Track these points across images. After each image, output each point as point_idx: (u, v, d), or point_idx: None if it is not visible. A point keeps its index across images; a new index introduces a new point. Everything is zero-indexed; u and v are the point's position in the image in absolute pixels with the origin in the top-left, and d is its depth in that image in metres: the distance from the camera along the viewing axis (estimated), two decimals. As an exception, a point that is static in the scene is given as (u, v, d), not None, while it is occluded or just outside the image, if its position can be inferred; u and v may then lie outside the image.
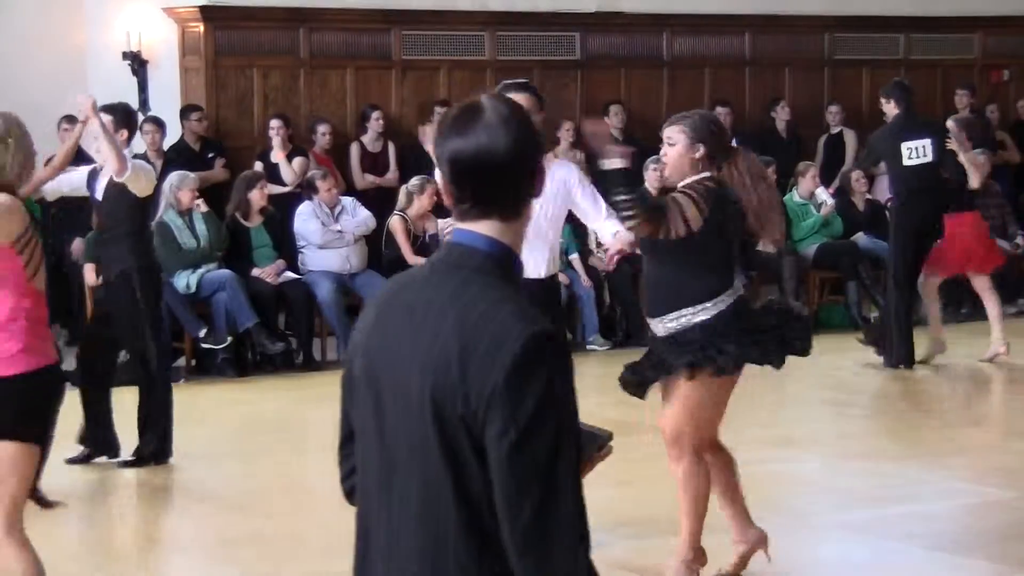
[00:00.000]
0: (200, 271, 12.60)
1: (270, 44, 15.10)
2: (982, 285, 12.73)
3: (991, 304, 12.57)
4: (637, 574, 6.92)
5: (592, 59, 16.33)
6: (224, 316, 12.48)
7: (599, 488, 7.72)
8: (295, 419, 11.10)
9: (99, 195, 9.26)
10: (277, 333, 12.90)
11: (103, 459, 9.27)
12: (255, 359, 12.95)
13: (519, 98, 6.95)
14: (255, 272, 12.88)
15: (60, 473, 8.98)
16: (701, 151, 6.28)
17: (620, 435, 7.94)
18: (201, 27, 14.82)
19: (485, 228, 2.77)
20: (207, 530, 8.10)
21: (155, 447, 9.19)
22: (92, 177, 9.30)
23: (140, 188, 9.10)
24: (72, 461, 9.12)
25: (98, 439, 9.24)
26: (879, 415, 11.21)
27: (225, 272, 12.67)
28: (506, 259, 2.77)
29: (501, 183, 2.77)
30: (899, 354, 12.21)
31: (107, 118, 9.07)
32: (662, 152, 6.41)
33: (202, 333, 12.44)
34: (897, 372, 12.16)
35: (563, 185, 7.17)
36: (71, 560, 7.48)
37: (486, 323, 2.66)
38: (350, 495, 2.99)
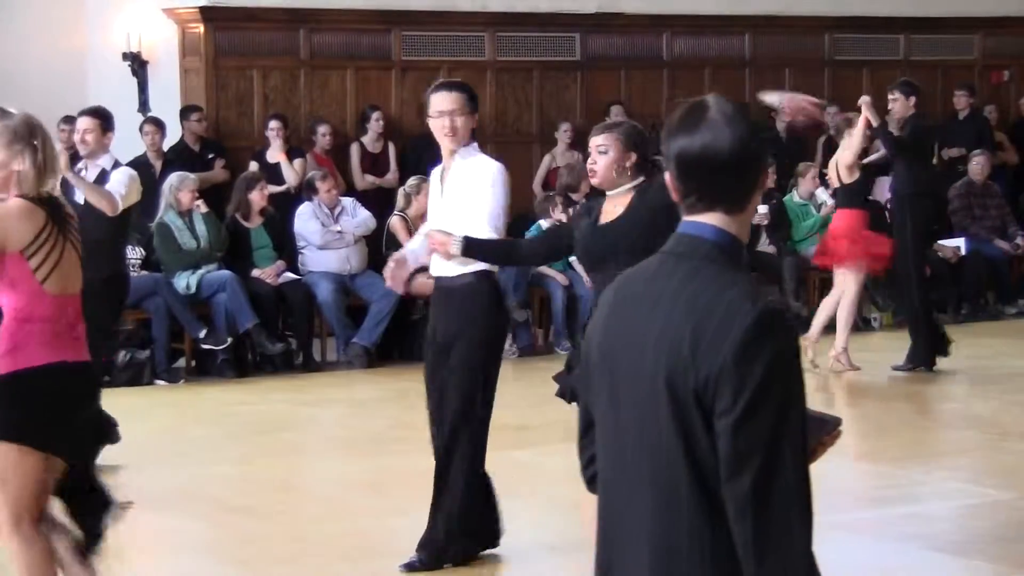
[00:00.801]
0: (200, 272, 12.60)
1: (270, 45, 15.11)
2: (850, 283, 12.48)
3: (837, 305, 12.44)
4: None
5: (592, 60, 16.33)
6: (224, 317, 12.49)
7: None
8: (295, 420, 11.10)
9: (79, 199, 9.18)
10: (277, 334, 12.91)
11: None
12: (255, 360, 12.96)
13: (448, 97, 6.94)
14: (255, 273, 12.89)
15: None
16: (633, 159, 6.48)
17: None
18: (201, 28, 14.83)
19: (711, 219, 2.90)
20: (206, 530, 8.10)
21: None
22: (66, 183, 9.19)
23: (132, 200, 9.13)
24: None
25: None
26: (879, 415, 11.21)
27: (225, 273, 12.68)
28: (732, 247, 2.89)
29: (724, 179, 2.89)
30: (924, 354, 12.16)
31: (92, 122, 9.09)
32: (590, 160, 6.54)
33: (202, 334, 12.45)
34: (895, 373, 12.16)
35: (479, 182, 6.94)
36: (71, 560, 7.49)
37: (715, 304, 2.79)
38: (591, 482, 3.13)
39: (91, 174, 9.12)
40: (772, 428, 2.72)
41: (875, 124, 11.95)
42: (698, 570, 2.80)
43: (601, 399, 2.97)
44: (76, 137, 9.43)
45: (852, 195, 12.26)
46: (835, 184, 12.47)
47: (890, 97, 12.42)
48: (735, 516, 2.74)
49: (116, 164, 9.28)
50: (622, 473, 2.92)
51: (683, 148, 2.89)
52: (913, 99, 12.24)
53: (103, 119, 9.25)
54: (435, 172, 7.17)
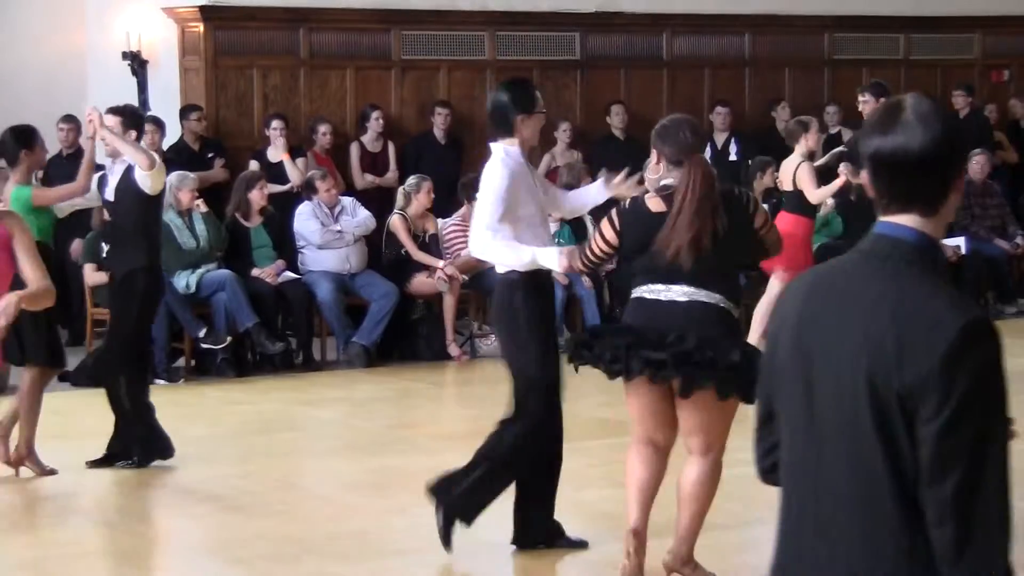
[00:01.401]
0: (200, 271, 12.59)
1: (270, 44, 15.10)
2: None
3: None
4: (637, 574, 6.91)
5: (592, 59, 16.33)
6: (224, 316, 12.48)
7: (598, 488, 7.73)
8: (295, 419, 11.10)
9: (109, 195, 9.28)
10: (277, 333, 12.90)
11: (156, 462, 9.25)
12: (255, 359, 12.95)
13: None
14: (255, 272, 12.88)
15: (60, 475, 8.98)
16: (653, 158, 6.54)
17: (618, 436, 7.95)
18: (201, 27, 14.82)
19: (907, 220, 2.91)
20: (206, 530, 8.10)
21: (124, 448, 9.14)
22: (101, 179, 9.34)
23: (160, 182, 9.19)
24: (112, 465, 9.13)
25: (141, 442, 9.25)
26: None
27: (225, 272, 12.67)
28: (929, 249, 2.91)
29: (917, 179, 2.89)
30: None
31: (114, 119, 9.11)
32: None
33: (202, 333, 12.44)
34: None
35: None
36: (70, 560, 7.49)
37: (920, 311, 2.80)
38: (767, 473, 3.14)
39: (117, 170, 9.16)
40: (976, 436, 2.75)
41: (854, 181, 11.98)
42: (898, 571, 2.82)
43: (792, 393, 2.98)
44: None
45: (802, 201, 12.23)
46: (784, 188, 12.42)
47: (860, 99, 12.43)
48: (935, 521, 2.77)
49: None
50: (815, 471, 2.92)
51: (877, 148, 2.90)
52: (881, 102, 12.30)
53: (124, 116, 9.26)
54: (520, 164, 7.10)
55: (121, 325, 9.19)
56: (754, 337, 11.98)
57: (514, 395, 7.02)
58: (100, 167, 10.05)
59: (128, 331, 9.16)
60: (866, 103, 12.33)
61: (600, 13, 16.17)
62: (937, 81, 17.73)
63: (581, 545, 7.15)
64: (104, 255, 12.47)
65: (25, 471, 8.96)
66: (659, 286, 6.37)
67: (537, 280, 7.01)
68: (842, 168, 12.21)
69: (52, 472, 8.95)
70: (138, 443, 9.11)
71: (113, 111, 9.38)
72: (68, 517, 8.39)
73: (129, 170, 9.08)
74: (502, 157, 7.06)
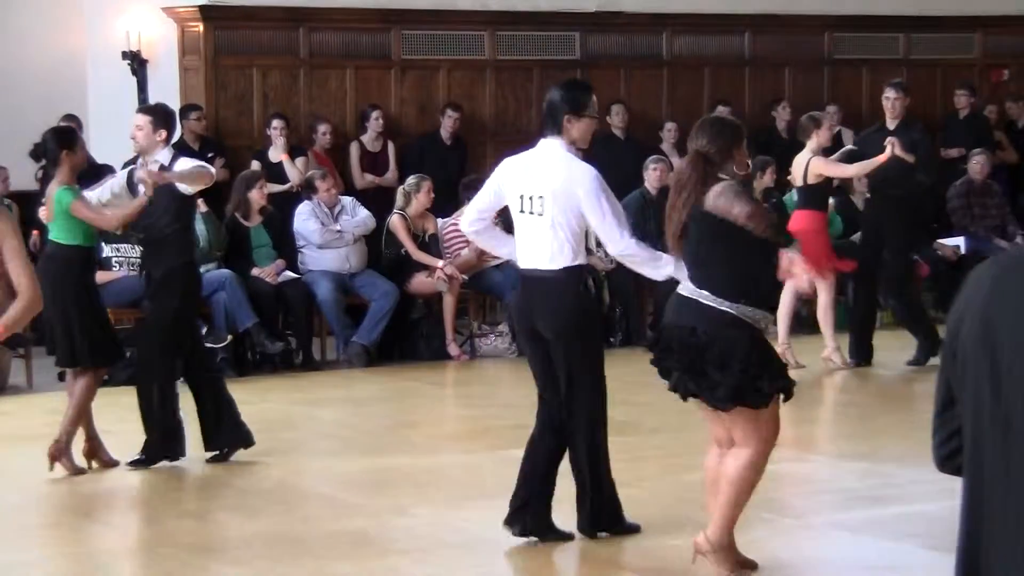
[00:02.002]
0: (199, 271, 12.57)
1: (270, 44, 15.11)
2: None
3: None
4: (637, 574, 6.92)
5: (592, 59, 16.33)
6: (224, 316, 12.48)
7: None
8: (295, 419, 11.09)
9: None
10: (276, 333, 12.90)
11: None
12: (255, 359, 12.95)
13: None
14: (255, 272, 12.88)
15: (60, 476, 8.99)
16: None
17: (619, 435, 7.95)
18: (201, 27, 14.83)
19: None
20: (207, 530, 8.10)
21: (169, 445, 9.17)
22: (131, 177, 9.25)
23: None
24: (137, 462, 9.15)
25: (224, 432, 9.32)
26: (879, 415, 11.20)
27: (225, 272, 12.67)
28: None
29: None
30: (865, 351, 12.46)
31: (145, 118, 9.09)
32: None
33: (202, 333, 12.43)
34: (906, 369, 12.19)
35: (570, 186, 7.05)
36: (72, 560, 7.49)
37: None
38: (945, 460, 3.09)
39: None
40: None
41: (900, 155, 11.98)
42: None
43: (976, 381, 2.94)
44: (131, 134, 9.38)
45: (814, 197, 12.23)
46: (797, 183, 12.41)
47: (893, 96, 12.44)
48: None
49: (175, 157, 9.19)
50: (1001, 460, 2.89)
51: None
52: (908, 99, 12.42)
53: (154, 115, 9.20)
54: None
55: (159, 323, 9.15)
56: (829, 345, 12.13)
57: (572, 395, 7.03)
58: (132, 161, 9.94)
59: (166, 328, 9.12)
60: (897, 99, 12.37)
61: (600, 13, 16.18)
62: (937, 81, 17.74)
63: (569, 537, 7.20)
64: (103, 254, 12.47)
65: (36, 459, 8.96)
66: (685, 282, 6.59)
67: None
68: (890, 141, 12.07)
69: (81, 471, 8.95)
70: (150, 441, 9.12)
71: (144, 110, 9.36)
72: (69, 517, 8.40)
73: (164, 170, 9.00)
74: (575, 152, 7.09)
